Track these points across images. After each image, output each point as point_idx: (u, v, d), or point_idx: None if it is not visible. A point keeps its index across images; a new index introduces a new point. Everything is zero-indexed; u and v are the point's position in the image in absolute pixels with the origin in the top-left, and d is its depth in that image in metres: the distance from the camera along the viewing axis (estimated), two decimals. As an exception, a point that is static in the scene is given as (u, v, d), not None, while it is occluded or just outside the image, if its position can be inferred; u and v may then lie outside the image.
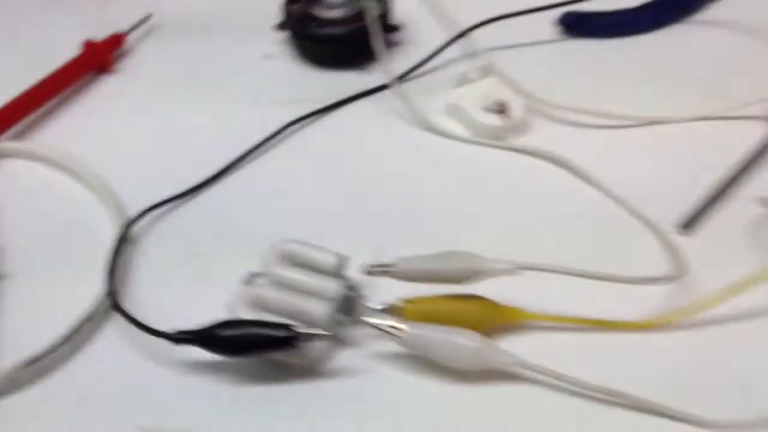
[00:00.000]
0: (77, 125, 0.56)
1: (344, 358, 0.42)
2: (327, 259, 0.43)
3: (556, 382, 0.40)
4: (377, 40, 0.56)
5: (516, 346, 0.41)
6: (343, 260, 0.43)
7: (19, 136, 0.55)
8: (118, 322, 0.43)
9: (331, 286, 0.42)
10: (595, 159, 0.52)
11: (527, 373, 0.40)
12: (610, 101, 0.56)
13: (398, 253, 0.43)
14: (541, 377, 0.40)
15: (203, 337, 0.40)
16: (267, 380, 0.41)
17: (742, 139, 0.53)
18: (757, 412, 0.39)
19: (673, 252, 0.45)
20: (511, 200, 0.50)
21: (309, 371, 0.41)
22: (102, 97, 0.58)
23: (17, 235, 0.48)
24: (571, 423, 0.39)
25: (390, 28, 0.61)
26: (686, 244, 0.47)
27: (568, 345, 0.42)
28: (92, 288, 0.44)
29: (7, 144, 0.53)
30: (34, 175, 0.52)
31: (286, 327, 0.39)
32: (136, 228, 0.48)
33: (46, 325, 0.42)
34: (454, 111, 0.56)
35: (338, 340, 0.42)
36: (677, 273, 0.43)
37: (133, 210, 0.49)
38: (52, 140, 0.54)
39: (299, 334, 0.39)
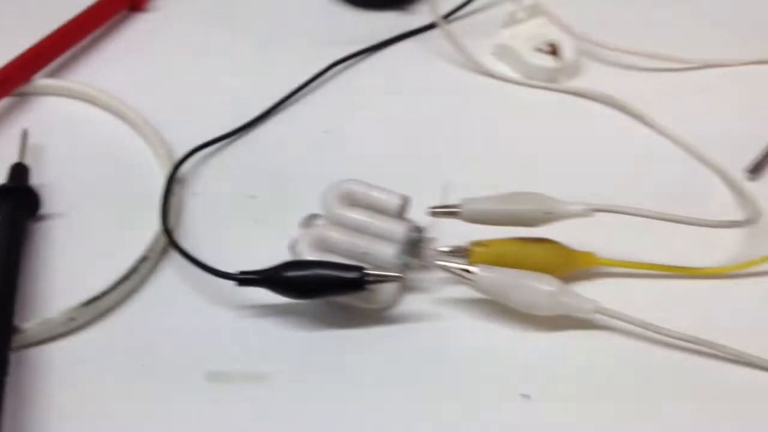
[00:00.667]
0: (113, 64, 0.54)
1: (413, 302, 0.40)
2: (390, 200, 0.42)
3: (637, 329, 0.38)
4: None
5: (589, 293, 0.39)
6: (406, 201, 0.42)
7: (53, 75, 0.52)
8: (175, 263, 0.41)
9: (398, 228, 0.41)
10: (651, 102, 0.51)
11: (606, 320, 0.39)
12: (663, 43, 0.54)
13: (460, 195, 0.41)
14: (620, 324, 0.39)
15: (269, 278, 0.38)
16: (334, 324, 0.39)
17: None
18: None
19: (744, 196, 0.44)
20: (570, 143, 0.49)
21: (377, 315, 0.40)
22: (137, 36, 0.56)
23: (61, 175, 0.46)
24: (653, 372, 0.38)
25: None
26: (755, 188, 0.45)
27: (642, 291, 0.41)
28: (145, 229, 0.42)
29: (44, 81, 0.51)
30: (72, 114, 0.50)
31: (355, 268, 0.38)
32: (186, 168, 0.46)
33: (103, 266, 0.40)
34: (503, 52, 0.55)
35: (407, 283, 0.40)
36: (751, 217, 0.42)
37: (179, 150, 0.47)
38: (88, 80, 0.52)
39: (369, 275, 0.38)
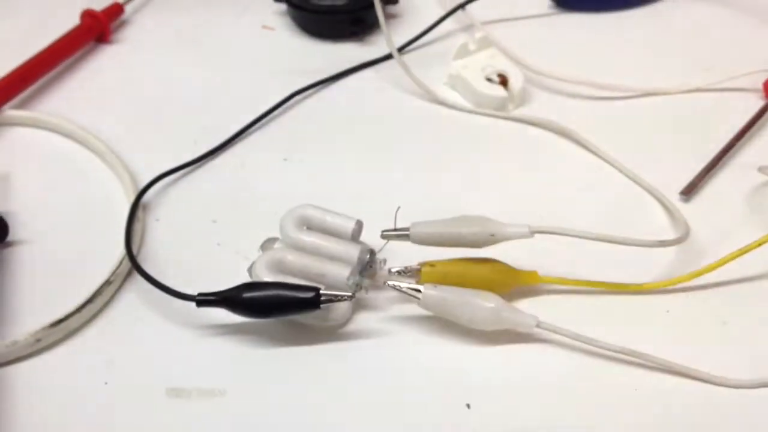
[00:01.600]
0: (79, 95, 0.56)
1: (364, 319, 0.43)
2: (344, 224, 0.44)
3: (574, 342, 0.41)
4: (378, 11, 0.57)
5: (530, 309, 0.42)
6: (359, 225, 0.44)
7: (21, 106, 0.54)
8: (138, 286, 0.43)
9: (351, 250, 0.43)
10: (594, 128, 0.53)
11: (545, 333, 0.41)
12: (604, 73, 0.57)
13: (411, 219, 0.44)
14: (558, 338, 0.41)
15: (227, 299, 0.40)
16: (289, 342, 0.42)
17: (735, 110, 0.55)
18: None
19: (676, 217, 0.47)
20: (518, 169, 0.51)
21: (330, 332, 0.42)
22: (103, 67, 0.58)
23: (27, 203, 0.48)
24: (589, 382, 0.40)
25: (389, 0, 0.62)
26: (687, 209, 0.48)
27: (581, 307, 0.43)
28: (110, 253, 0.44)
29: (12, 112, 0.53)
30: (39, 143, 0.52)
31: (309, 288, 0.40)
32: (149, 195, 0.48)
33: (68, 289, 0.42)
34: (455, 82, 0.57)
35: (359, 303, 0.43)
36: (682, 236, 0.45)
37: (144, 177, 0.49)
38: (55, 110, 0.54)
39: (323, 295, 0.40)
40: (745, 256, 0.43)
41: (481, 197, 0.49)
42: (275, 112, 0.55)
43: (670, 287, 0.44)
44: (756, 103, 0.55)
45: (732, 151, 0.52)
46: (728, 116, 0.54)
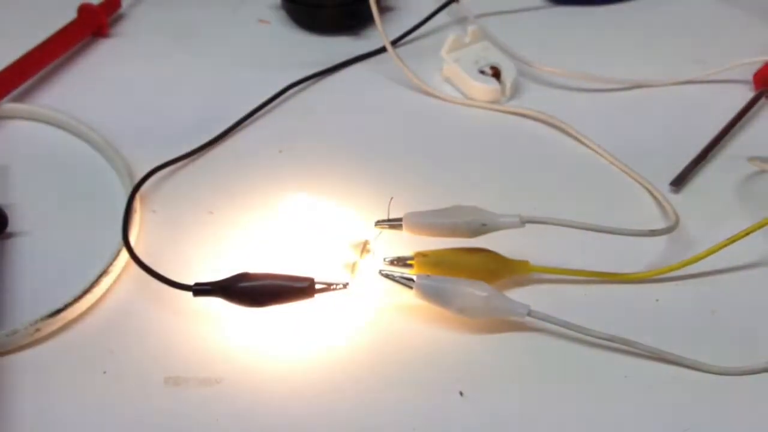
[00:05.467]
0: (77, 88, 0.56)
1: (359, 308, 0.43)
2: (339, 215, 0.45)
3: (565, 330, 0.41)
4: (372, 4, 0.57)
5: (522, 298, 0.42)
6: (353, 215, 0.45)
7: (19, 99, 0.55)
8: (135, 276, 0.44)
9: (343, 240, 0.43)
10: (585, 120, 0.54)
11: (537, 322, 0.42)
12: (596, 66, 0.58)
13: (404, 210, 0.44)
14: (550, 326, 0.42)
15: (223, 289, 0.41)
16: (284, 332, 0.42)
17: (725, 101, 0.56)
18: (757, 359, 0.41)
19: (666, 207, 0.48)
20: (510, 159, 0.52)
21: (323, 322, 0.42)
22: (100, 61, 0.59)
23: (26, 195, 0.48)
24: (580, 370, 0.41)
25: (383, -7, 0.62)
26: (677, 199, 0.49)
27: (572, 296, 0.44)
28: (107, 244, 0.45)
29: (10, 105, 0.54)
30: (37, 136, 0.53)
31: (304, 278, 0.41)
32: (146, 186, 0.49)
33: (66, 280, 0.43)
34: (449, 74, 0.58)
35: (352, 292, 0.43)
36: (671, 226, 0.46)
37: (141, 169, 0.49)
38: (53, 103, 0.54)
39: (317, 284, 0.41)
40: (735, 245, 0.43)
41: (473, 188, 0.50)
42: (271, 105, 0.55)
43: (660, 276, 0.44)
44: (746, 95, 0.56)
45: (722, 142, 0.53)
46: (718, 108, 0.55)
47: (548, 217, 0.44)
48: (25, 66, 0.56)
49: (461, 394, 0.40)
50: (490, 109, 0.56)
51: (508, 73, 0.57)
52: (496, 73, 0.56)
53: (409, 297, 0.42)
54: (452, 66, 0.57)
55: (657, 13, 0.64)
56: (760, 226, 0.43)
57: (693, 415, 0.39)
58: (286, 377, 0.40)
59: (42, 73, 0.57)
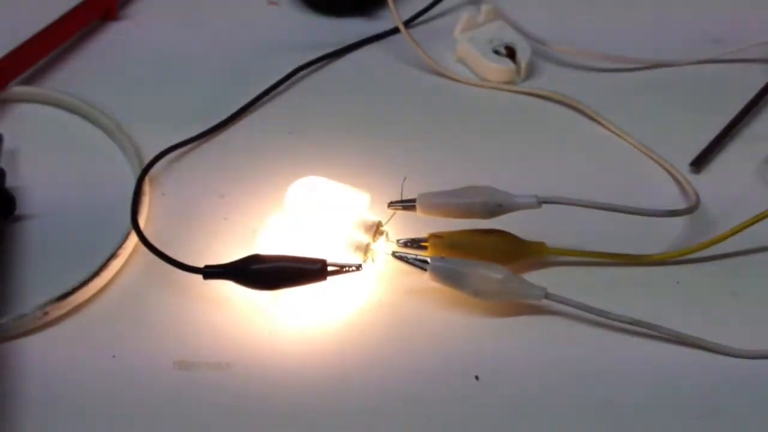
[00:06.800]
0: (86, 71, 0.56)
1: (373, 292, 0.42)
2: (351, 196, 0.44)
3: (582, 314, 0.41)
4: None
5: (539, 281, 0.41)
6: (366, 197, 0.44)
7: (28, 82, 0.54)
8: (145, 259, 0.43)
9: (357, 222, 0.43)
10: (602, 100, 0.53)
11: (554, 305, 0.41)
12: (613, 45, 0.56)
13: (417, 191, 0.43)
14: (567, 309, 0.41)
15: (234, 271, 0.40)
16: (295, 316, 0.41)
17: (744, 81, 0.55)
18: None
19: (686, 188, 0.47)
20: (525, 141, 0.51)
21: (336, 307, 0.42)
22: (109, 44, 0.58)
23: (34, 178, 0.48)
24: (598, 354, 0.40)
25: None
26: (697, 180, 0.48)
27: (590, 279, 0.43)
28: (116, 228, 0.44)
29: (19, 89, 0.53)
30: (46, 119, 0.52)
31: (316, 260, 0.40)
32: (156, 169, 0.48)
33: (75, 263, 0.42)
34: (463, 55, 0.57)
35: (365, 274, 0.42)
36: (692, 206, 0.45)
37: (150, 152, 0.49)
38: (62, 86, 0.54)
39: (329, 266, 0.40)
40: (755, 226, 0.43)
41: (488, 169, 0.49)
42: (281, 87, 0.54)
43: (681, 258, 0.44)
44: (766, 75, 0.55)
45: (742, 123, 0.52)
46: (737, 87, 0.54)
47: (565, 197, 0.43)
48: (33, 49, 0.55)
49: (477, 378, 0.39)
50: (505, 90, 0.55)
51: (523, 53, 0.55)
52: (511, 53, 0.55)
53: (423, 279, 0.41)
54: (466, 46, 0.56)
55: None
56: (782, 207, 0.42)
57: (715, 399, 0.38)
58: (296, 361, 0.40)
59: (51, 56, 0.56)
